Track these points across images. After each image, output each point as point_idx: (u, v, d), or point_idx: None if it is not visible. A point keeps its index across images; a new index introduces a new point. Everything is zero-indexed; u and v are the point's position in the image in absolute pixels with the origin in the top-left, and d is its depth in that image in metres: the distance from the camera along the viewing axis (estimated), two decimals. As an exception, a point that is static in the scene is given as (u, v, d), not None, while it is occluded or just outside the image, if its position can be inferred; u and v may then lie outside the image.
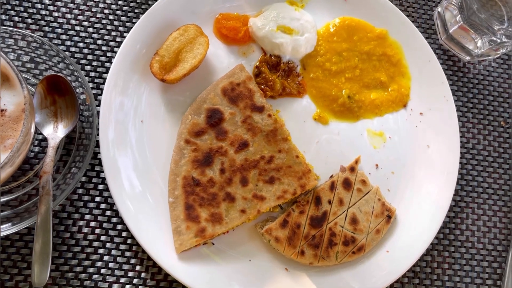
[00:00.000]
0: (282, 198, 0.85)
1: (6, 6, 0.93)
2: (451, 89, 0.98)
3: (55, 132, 0.83)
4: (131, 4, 0.98)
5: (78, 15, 0.95)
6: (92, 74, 0.92)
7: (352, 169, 0.91)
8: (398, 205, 0.91)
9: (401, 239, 0.89)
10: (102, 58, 0.93)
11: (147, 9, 0.91)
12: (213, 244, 0.85)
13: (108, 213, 0.86)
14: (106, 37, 0.95)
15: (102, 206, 0.86)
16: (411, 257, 0.87)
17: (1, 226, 0.78)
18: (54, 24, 0.94)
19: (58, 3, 0.95)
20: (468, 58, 1.04)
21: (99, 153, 0.83)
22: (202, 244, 0.84)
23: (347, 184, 0.89)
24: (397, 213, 0.91)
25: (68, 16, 0.95)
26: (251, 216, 0.84)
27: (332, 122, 0.95)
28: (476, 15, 0.94)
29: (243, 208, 0.84)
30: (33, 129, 0.74)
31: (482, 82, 1.06)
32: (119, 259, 0.84)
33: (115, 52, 0.93)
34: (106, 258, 0.84)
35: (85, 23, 0.95)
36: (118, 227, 0.85)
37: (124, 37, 0.95)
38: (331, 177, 0.91)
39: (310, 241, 0.85)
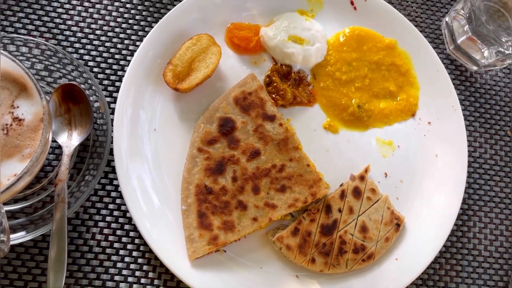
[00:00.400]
0: (293, 206, 0.87)
1: (20, 14, 0.94)
2: (458, 99, 0.99)
3: (70, 141, 0.84)
4: (144, 13, 0.99)
5: (92, 23, 0.96)
6: (105, 82, 0.93)
7: (362, 178, 0.92)
8: (407, 213, 0.93)
9: (410, 247, 0.90)
10: (115, 67, 0.94)
11: (160, 17, 0.92)
12: (225, 251, 0.86)
13: (121, 220, 0.87)
14: (119, 46, 0.96)
15: (115, 213, 0.87)
16: (419, 264, 0.88)
17: (16, 234, 0.79)
18: (67, 33, 0.95)
19: (72, 12, 0.96)
20: (475, 68, 1.06)
21: (113, 160, 0.84)
22: (214, 252, 0.85)
23: (357, 193, 0.90)
24: (405, 221, 0.92)
25: (82, 24, 0.96)
26: (263, 224, 0.85)
27: (342, 131, 0.96)
28: (484, 26, 0.95)
29: (255, 216, 0.85)
30: (50, 138, 0.75)
31: (489, 92, 1.07)
32: (132, 266, 0.85)
33: (128, 60, 0.94)
34: (119, 264, 0.84)
35: (98, 32, 0.96)
36: (131, 234, 0.86)
37: (137, 45, 0.96)
38: (341, 185, 0.92)
39: (320, 248, 0.86)
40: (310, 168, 0.89)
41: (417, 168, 0.96)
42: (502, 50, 0.96)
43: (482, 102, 1.06)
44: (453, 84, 1.01)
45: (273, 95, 0.94)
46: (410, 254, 0.89)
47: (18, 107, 0.72)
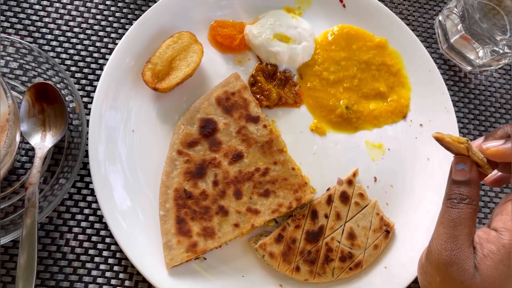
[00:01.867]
0: (277, 211, 0.83)
1: (-5, 11, 0.91)
2: (452, 100, 0.96)
3: (43, 142, 0.80)
4: (124, 10, 0.95)
5: (69, 20, 0.92)
6: (83, 81, 0.90)
7: (350, 182, 0.88)
8: (397, 219, 0.89)
9: (400, 254, 0.87)
10: (93, 66, 0.91)
11: (140, 15, 0.88)
12: (205, 259, 0.82)
13: (97, 225, 0.83)
14: (98, 44, 0.92)
15: (91, 218, 0.83)
16: (409, 273, 0.84)
17: (-15, 239, 0.75)
18: (44, 30, 0.91)
19: (49, 9, 0.92)
20: (469, 68, 1.02)
21: (88, 163, 0.81)
22: (193, 259, 0.81)
23: (344, 198, 0.86)
24: (395, 227, 0.88)
25: (59, 22, 0.92)
26: (245, 230, 0.81)
27: (330, 134, 0.92)
28: (478, 25, 0.91)
29: (236, 222, 0.81)
30: (18, 140, 0.72)
31: (483, 93, 1.03)
32: (107, 274, 0.81)
33: (107, 59, 0.91)
34: (94, 272, 0.81)
35: (76, 29, 0.92)
36: (107, 240, 0.83)
37: (116, 43, 0.92)
38: (328, 190, 0.88)
39: (305, 256, 0.82)
40: (295, 171, 0.85)
41: (408, 171, 0.92)
42: (497, 49, 0.93)
43: (476, 103, 1.02)
44: (447, 85, 0.98)
45: (258, 96, 0.90)
46: (400, 262, 0.85)
47: (-17, 107, 0.69)
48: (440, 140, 0.64)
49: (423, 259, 0.68)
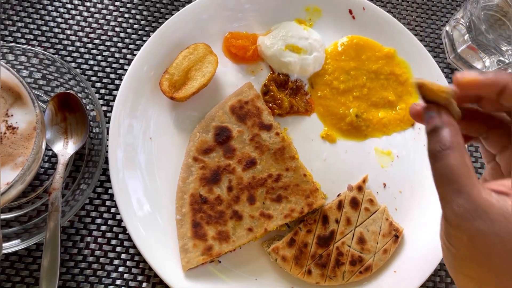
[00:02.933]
0: (289, 216, 0.85)
1: (19, 24, 0.95)
2: (459, 108, 0.98)
3: (65, 149, 0.84)
4: (142, 23, 0.99)
5: (90, 33, 0.97)
6: (103, 91, 0.94)
7: (360, 188, 0.90)
8: (406, 224, 0.91)
9: (409, 259, 0.89)
10: (112, 76, 0.95)
11: (158, 27, 0.92)
12: (220, 262, 0.85)
13: (116, 229, 0.86)
14: (117, 55, 0.96)
15: (110, 222, 0.87)
16: (419, 277, 0.86)
17: (10, 242, 0.78)
18: (66, 42, 0.95)
19: (71, 21, 0.97)
20: (476, 77, 1.04)
21: (108, 169, 0.84)
22: (208, 262, 0.84)
23: (354, 203, 0.89)
24: (404, 232, 0.90)
25: (80, 34, 0.96)
26: (258, 235, 0.84)
27: (340, 141, 0.95)
28: (484, 36, 0.94)
29: (250, 226, 0.84)
30: (44, 147, 0.75)
31: (490, 101, 1.05)
32: (126, 276, 0.84)
33: (125, 70, 0.95)
34: (113, 275, 0.84)
35: (96, 41, 0.96)
36: (126, 243, 0.86)
37: (134, 54, 0.96)
38: (338, 195, 0.91)
39: (317, 260, 0.85)
40: (306, 177, 0.88)
41: (416, 178, 0.94)
42: (503, 59, 0.95)
43: (483, 112, 1.04)
44: (454, 93, 1.00)
45: (270, 104, 0.93)
46: (409, 267, 0.88)
47: (12, 115, 0.72)
48: (421, 87, 0.53)
49: (442, 229, 0.53)
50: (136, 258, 0.85)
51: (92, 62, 0.95)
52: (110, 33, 0.97)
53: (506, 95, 0.52)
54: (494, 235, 0.46)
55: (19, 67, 0.88)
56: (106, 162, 0.85)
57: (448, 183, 0.49)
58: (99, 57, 0.95)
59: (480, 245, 0.47)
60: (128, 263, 0.85)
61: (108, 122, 0.88)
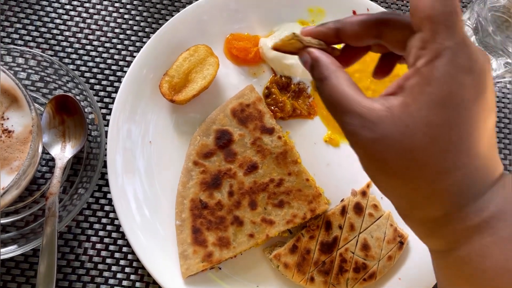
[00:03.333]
0: (292, 222, 0.83)
1: (17, 25, 0.93)
2: (465, 112, 0.96)
3: (63, 153, 0.82)
4: (142, 24, 0.97)
5: (89, 34, 0.95)
6: (101, 93, 0.92)
7: (364, 193, 0.88)
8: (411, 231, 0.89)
9: (414, 266, 0.86)
10: (111, 78, 0.93)
11: (158, 29, 0.90)
12: (220, 268, 0.83)
13: (114, 235, 0.85)
14: (116, 57, 0.94)
15: (109, 227, 0.85)
16: (424, 284, 0.84)
17: (7, 248, 0.77)
18: (64, 43, 0.94)
19: (69, 23, 0.95)
20: (482, 80, 1.02)
21: (107, 173, 0.82)
22: (209, 269, 0.82)
23: (358, 209, 0.87)
24: (409, 239, 0.88)
25: (79, 35, 0.95)
26: (260, 241, 0.82)
27: (344, 145, 0.93)
28: (491, 37, 0.92)
29: (251, 232, 0.82)
30: (40, 151, 0.74)
31: (497, 104, 1.03)
32: (124, 283, 0.82)
33: (125, 72, 0.93)
34: (111, 281, 0.82)
35: (95, 42, 0.95)
36: (124, 249, 0.84)
37: (134, 56, 0.94)
38: (342, 201, 0.89)
39: (320, 267, 0.83)
40: (309, 182, 0.86)
41: (421, 183, 0.92)
42: (510, 61, 0.93)
43: (490, 115, 1.02)
44: (460, 96, 0.98)
45: (272, 107, 0.91)
46: (414, 274, 0.85)
47: (8, 119, 0.71)
48: (277, 48, 0.55)
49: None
50: (134, 264, 0.83)
51: (90, 64, 0.93)
52: (109, 34, 0.96)
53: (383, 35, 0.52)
54: (382, 139, 0.45)
55: (17, 69, 0.87)
56: (105, 166, 0.83)
57: (336, 107, 0.50)
58: (98, 59, 0.94)
59: (375, 154, 0.47)
60: (127, 270, 0.83)
61: (107, 125, 0.86)
